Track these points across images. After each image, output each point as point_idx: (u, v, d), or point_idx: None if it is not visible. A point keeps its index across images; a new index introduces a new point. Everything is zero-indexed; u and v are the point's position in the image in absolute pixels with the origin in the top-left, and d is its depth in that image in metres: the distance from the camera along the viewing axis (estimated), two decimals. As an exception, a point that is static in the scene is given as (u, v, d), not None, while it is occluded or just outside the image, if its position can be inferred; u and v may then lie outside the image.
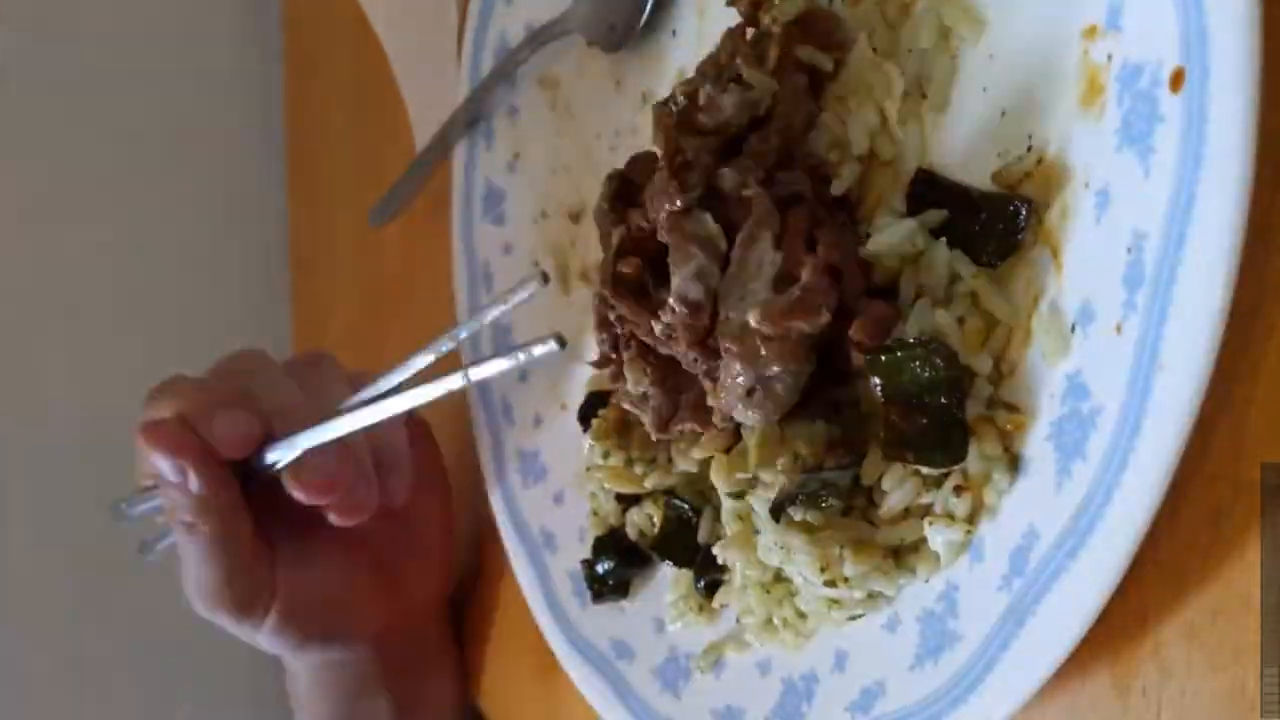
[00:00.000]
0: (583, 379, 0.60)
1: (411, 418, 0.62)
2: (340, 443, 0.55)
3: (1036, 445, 0.38)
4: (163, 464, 0.56)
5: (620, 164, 0.58)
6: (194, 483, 0.56)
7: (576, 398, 0.61)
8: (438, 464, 0.66)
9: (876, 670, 0.43)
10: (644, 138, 0.57)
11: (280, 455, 0.56)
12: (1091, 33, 0.38)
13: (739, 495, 0.46)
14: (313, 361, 0.62)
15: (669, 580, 0.52)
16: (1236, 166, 0.32)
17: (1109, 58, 0.37)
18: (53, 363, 0.96)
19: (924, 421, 0.39)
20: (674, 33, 0.56)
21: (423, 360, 0.51)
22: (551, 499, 0.61)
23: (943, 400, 0.39)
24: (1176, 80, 0.34)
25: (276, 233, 0.99)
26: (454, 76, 0.68)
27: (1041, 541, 0.37)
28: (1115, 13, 0.37)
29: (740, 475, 0.45)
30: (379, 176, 0.83)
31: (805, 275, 0.42)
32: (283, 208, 0.99)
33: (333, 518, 0.58)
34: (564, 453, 0.60)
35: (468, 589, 0.69)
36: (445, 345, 0.51)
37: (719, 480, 0.46)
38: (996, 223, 0.40)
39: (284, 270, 0.99)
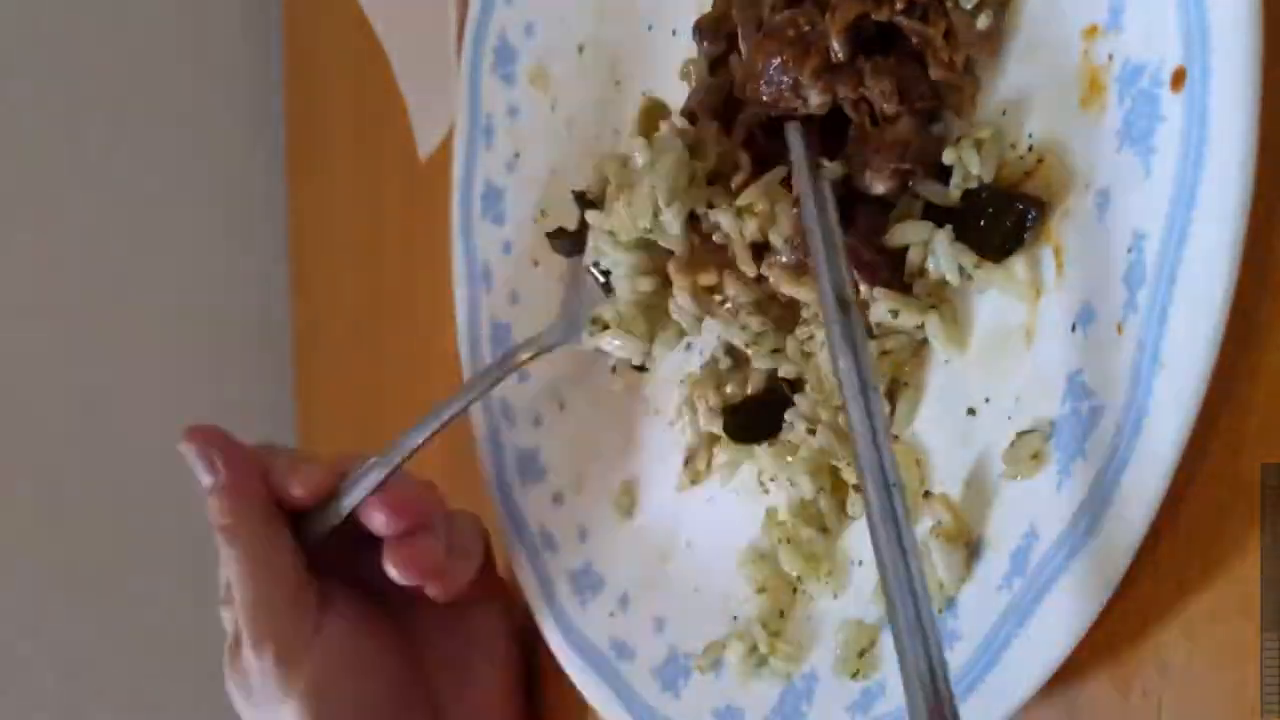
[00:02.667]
0: (583, 378, 0.60)
1: (478, 526, 0.59)
2: (422, 484, 0.54)
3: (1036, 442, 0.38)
4: (199, 463, 0.55)
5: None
6: (226, 477, 0.54)
7: (576, 397, 0.61)
8: (503, 593, 0.60)
9: (877, 670, 0.43)
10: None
11: (351, 500, 0.54)
12: (1092, 32, 0.38)
13: None
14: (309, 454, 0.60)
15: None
16: (1237, 166, 0.32)
17: (1110, 57, 0.37)
18: (52, 363, 0.96)
19: None
20: (674, 32, 0.56)
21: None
22: (550, 499, 0.61)
23: None
24: (1177, 80, 0.34)
25: (276, 232, 0.99)
26: (454, 76, 0.68)
27: (1041, 541, 0.37)
28: (1116, 12, 0.37)
29: None
30: (379, 176, 0.83)
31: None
32: (283, 207, 0.99)
33: (392, 562, 0.54)
34: (563, 452, 0.60)
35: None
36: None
37: None
38: (1004, 220, 0.40)
39: (284, 270, 0.99)
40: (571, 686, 0.56)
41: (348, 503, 0.54)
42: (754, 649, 0.48)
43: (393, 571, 0.54)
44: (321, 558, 0.56)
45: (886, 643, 0.43)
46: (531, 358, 0.55)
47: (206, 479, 0.55)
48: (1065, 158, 0.38)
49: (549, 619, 0.58)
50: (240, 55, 1.01)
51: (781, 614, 0.47)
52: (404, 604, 0.57)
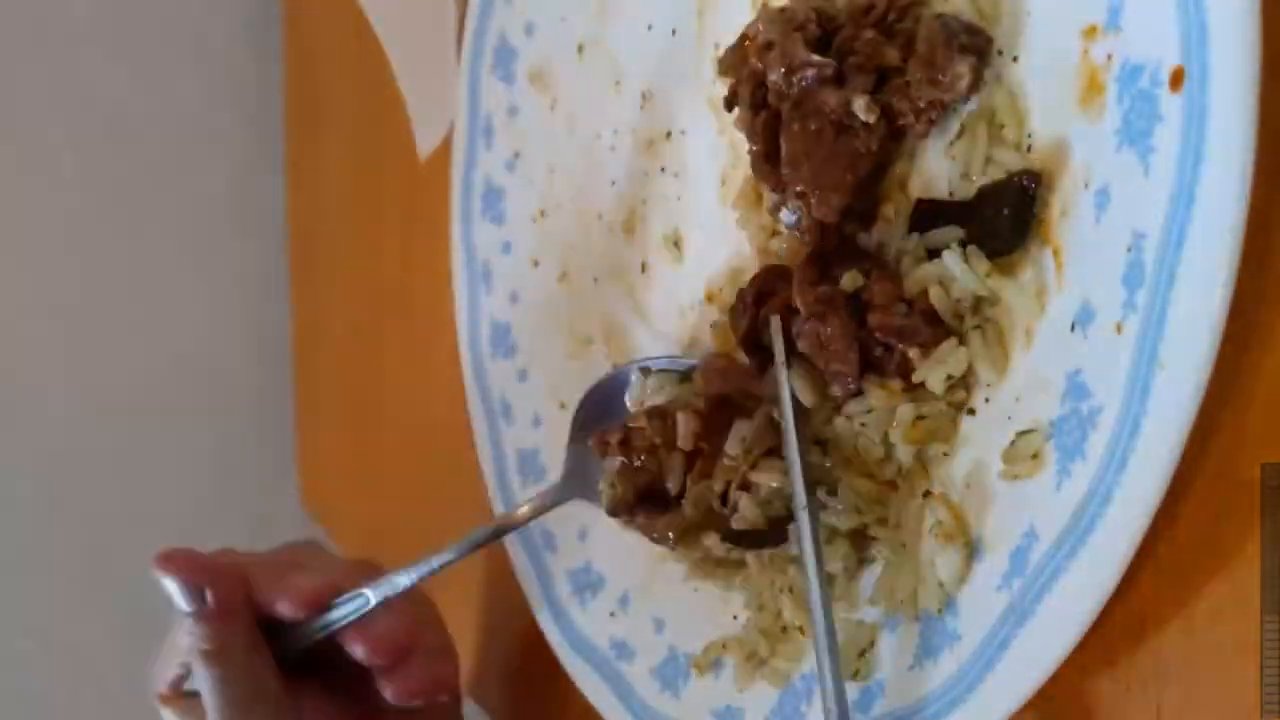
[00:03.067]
0: (581, 378, 0.60)
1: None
2: (404, 612, 0.54)
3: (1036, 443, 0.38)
4: (177, 589, 0.53)
5: (620, 163, 0.58)
6: (216, 606, 0.53)
7: (575, 396, 0.61)
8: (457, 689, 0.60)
9: (877, 670, 0.43)
10: (643, 137, 0.57)
11: (340, 615, 0.54)
12: (1091, 32, 0.38)
13: None
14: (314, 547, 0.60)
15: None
16: (1236, 166, 0.32)
17: (1109, 57, 0.37)
18: (52, 363, 0.96)
19: None
20: (674, 32, 0.56)
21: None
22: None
23: None
24: (1176, 80, 0.34)
25: (276, 233, 0.99)
26: (454, 76, 0.68)
27: (1041, 541, 0.37)
28: (1115, 12, 0.37)
29: None
30: (379, 176, 0.83)
31: None
32: (283, 208, 0.99)
33: (388, 692, 0.54)
34: (563, 452, 0.60)
35: (467, 591, 0.69)
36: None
37: None
38: (1004, 206, 0.40)
39: (284, 270, 0.99)
40: (572, 686, 0.56)
41: (332, 623, 0.54)
42: (753, 653, 0.48)
43: (389, 696, 0.54)
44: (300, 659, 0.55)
45: (886, 643, 0.43)
46: (532, 517, 0.54)
47: (188, 607, 0.53)
48: (1064, 157, 0.38)
49: (549, 618, 0.58)
50: (240, 55, 1.01)
51: (779, 615, 0.48)
52: (369, 696, 0.56)
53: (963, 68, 0.41)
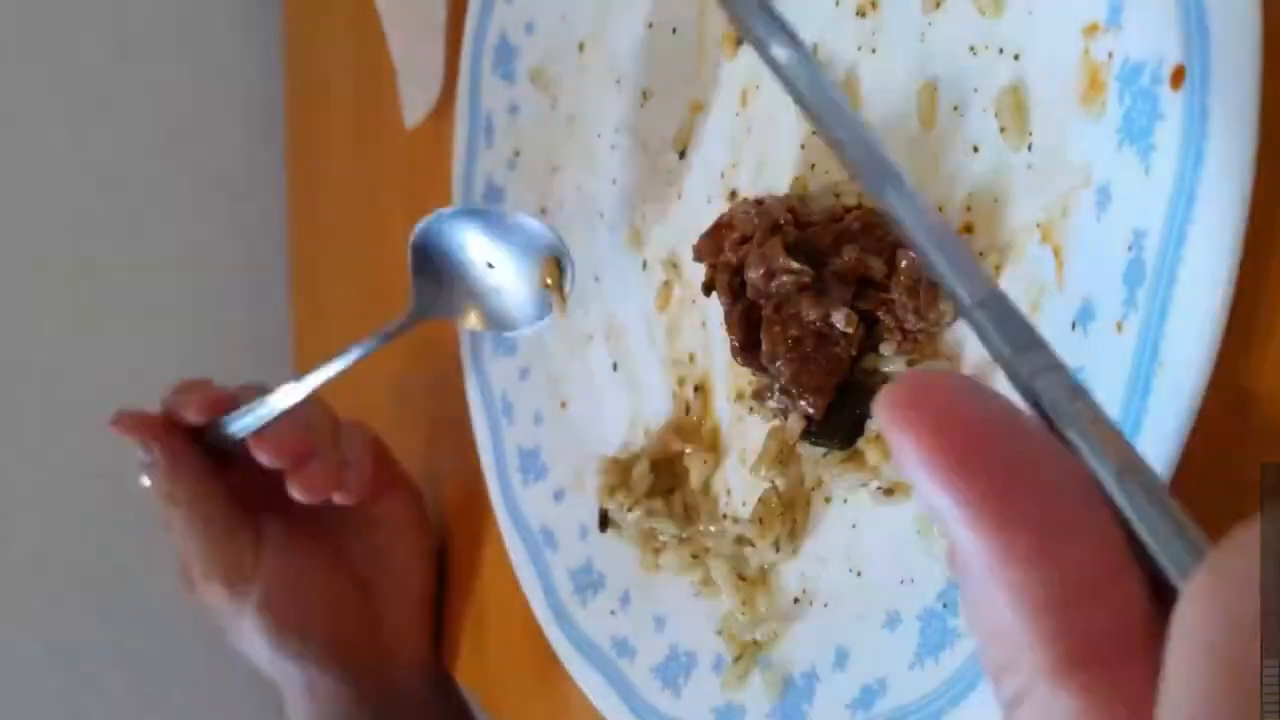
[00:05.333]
0: (582, 376, 0.60)
1: (364, 434, 0.68)
2: (300, 420, 0.62)
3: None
4: (135, 446, 0.64)
5: (621, 162, 0.58)
6: (160, 453, 0.63)
7: (576, 396, 0.61)
8: (405, 483, 0.70)
9: (877, 668, 0.43)
10: (643, 137, 0.57)
11: (245, 425, 0.62)
12: (1092, 30, 0.38)
13: None
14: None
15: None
16: (1237, 164, 0.32)
17: (1109, 55, 0.37)
18: (52, 362, 0.96)
19: None
20: (674, 30, 0.56)
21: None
22: (551, 497, 0.61)
23: None
24: (1177, 78, 0.34)
25: (276, 233, 0.99)
26: (443, 45, 0.69)
27: (1042, 540, 0.37)
28: (1116, 10, 0.37)
29: None
30: (379, 176, 0.83)
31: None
32: (283, 208, 0.99)
33: (294, 490, 0.63)
34: (564, 450, 0.60)
35: (468, 588, 0.69)
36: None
37: None
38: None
39: (284, 270, 0.99)
40: (573, 684, 0.56)
41: (236, 430, 0.63)
42: (746, 655, 0.48)
43: (296, 495, 0.63)
44: (256, 488, 0.65)
45: (886, 641, 0.43)
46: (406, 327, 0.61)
47: (143, 458, 0.64)
48: (1064, 155, 0.38)
49: (549, 617, 0.58)
50: (240, 55, 1.01)
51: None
52: (324, 511, 0.66)
53: (946, 305, 0.42)
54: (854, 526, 0.45)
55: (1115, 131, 0.36)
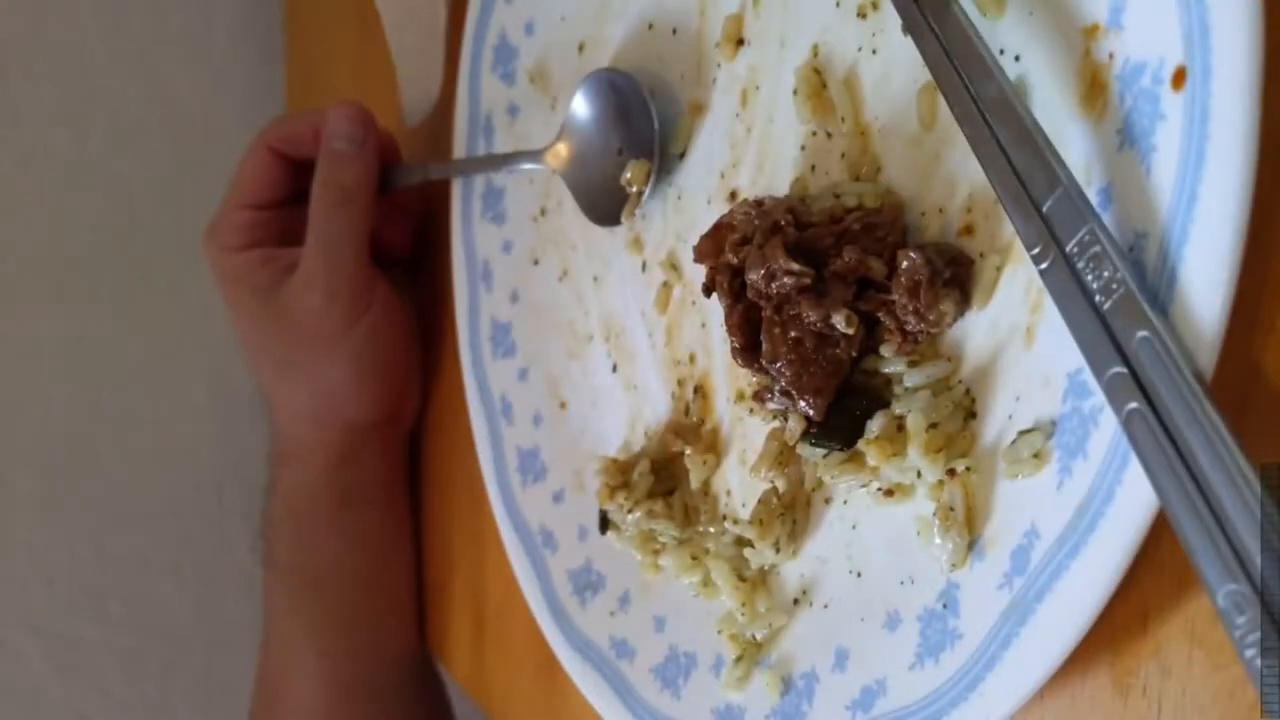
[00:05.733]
0: (582, 377, 0.60)
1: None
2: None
3: (1037, 444, 0.38)
4: (350, 129, 0.67)
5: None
6: (371, 148, 0.67)
7: (575, 397, 0.61)
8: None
9: (877, 669, 0.43)
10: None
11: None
12: (1093, 31, 0.38)
13: None
14: None
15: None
16: (1238, 166, 0.32)
17: (1111, 56, 0.37)
18: (52, 361, 0.96)
19: None
20: (674, 31, 0.56)
21: None
22: (551, 498, 0.61)
23: None
24: (1178, 79, 0.34)
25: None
26: (443, 47, 0.69)
27: (1042, 540, 0.37)
28: (1117, 11, 0.37)
29: None
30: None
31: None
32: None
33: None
34: (563, 451, 0.60)
35: (468, 589, 0.69)
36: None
37: None
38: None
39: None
40: (572, 685, 0.56)
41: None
42: (746, 656, 0.48)
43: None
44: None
45: (886, 642, 0.43)
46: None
47: (349, 146, 0.67)
48: (1066, 157, 0.38)
49: (549, 618, 0.58)
50: (240, 55, 1.01)
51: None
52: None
53: (947, 305, 0.42)
54: (854, 528, 0.45)
55: (1116, 132, 0.36)
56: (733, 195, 0.52)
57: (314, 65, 0.94)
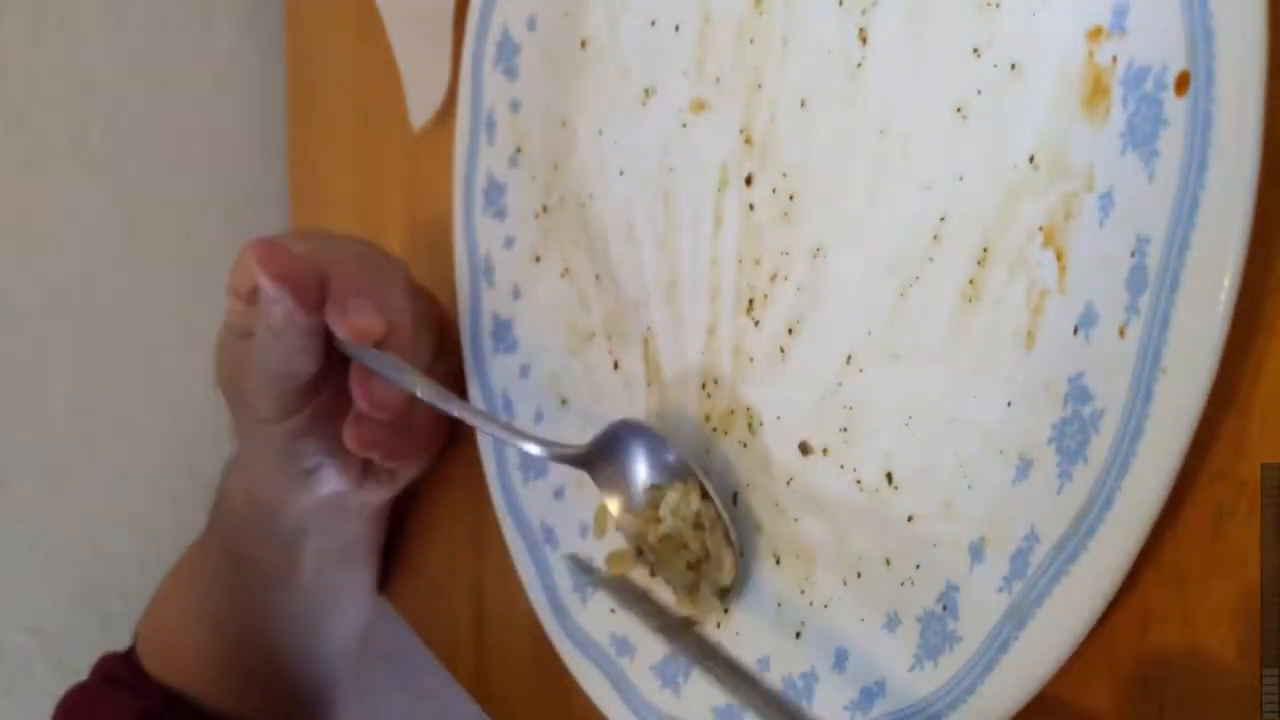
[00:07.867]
0: (583, 374, 0.60)
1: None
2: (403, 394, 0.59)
3: (1037, 448, 0.38)
4: (265, 284, 0.58)
5: (621, 160, 0.58)
6: (297, 313, 0.58)
7: (576, 393, 0.61)
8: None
9: (876, 670, 0.43)
10: (643, 136, 0.57)
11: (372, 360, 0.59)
12: (1096, 34, 0.38)
13: None
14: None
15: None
16: (1241, 171, 0.32)
17: (1113, 59, 0.37)
18: (52, 360, 0.96)
19: None
20: (676, 28, 0.56)
21: None
22: (552, 494, 0.61)
23: None
24: (1181, 83, 0.34)
25: (276, 232, 0.99)
26: (449, 47, 0.68)
27: (1042, 544, 0.37)
28: (1120, 15, 0.37)
29: None
30: (380, 176, 0.83)
31: None
32: (283, 208, 0.99)
33: (351, 434, 0.61)
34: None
35: (468, 587, 0.69)
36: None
37: None
38: None
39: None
40: (573, 682, 0.56)
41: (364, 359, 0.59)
42: None
43: (357, 397, 0.61)
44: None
45: (886, 644, 0.43)
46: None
47: (278, 310, 0.59)
48: (1067, 161, 0.38)
49: (550, 615, 0.58)
50: (240, 55, 1.01)
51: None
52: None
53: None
54: (842, 539, 0.46)
55: (1119, 137, 0.36)
56: (734, 195, 0.52)
57: (314, 65, 0.94)
